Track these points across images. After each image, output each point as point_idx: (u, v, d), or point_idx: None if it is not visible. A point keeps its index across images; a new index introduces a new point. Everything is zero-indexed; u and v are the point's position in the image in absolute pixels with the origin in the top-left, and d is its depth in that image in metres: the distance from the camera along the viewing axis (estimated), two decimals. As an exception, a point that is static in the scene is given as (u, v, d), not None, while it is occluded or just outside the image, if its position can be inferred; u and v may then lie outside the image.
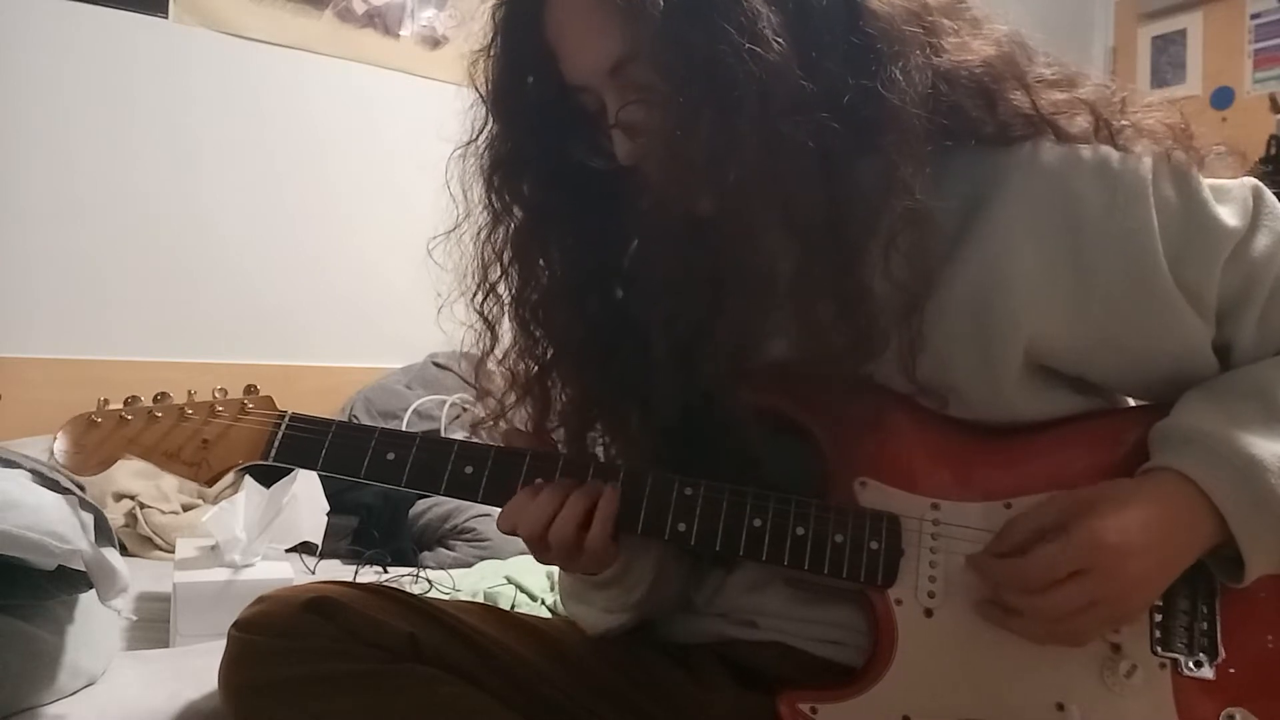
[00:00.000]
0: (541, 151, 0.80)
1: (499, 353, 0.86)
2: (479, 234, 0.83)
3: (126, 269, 2.18)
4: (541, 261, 0.83)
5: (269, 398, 0.83)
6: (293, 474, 1.36)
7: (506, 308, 0.84)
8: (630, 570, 0.82)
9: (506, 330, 0.85)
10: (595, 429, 0.85)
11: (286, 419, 0.81)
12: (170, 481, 1.85)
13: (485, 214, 0.83)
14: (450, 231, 0.84)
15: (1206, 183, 0.76)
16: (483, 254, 0.83)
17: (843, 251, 0.71)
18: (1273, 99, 3.01)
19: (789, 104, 0.66)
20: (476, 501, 0.79)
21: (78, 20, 2.13)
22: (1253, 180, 0.79)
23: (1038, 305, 0.74)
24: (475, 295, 0.84)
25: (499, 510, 0.78)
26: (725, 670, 0.84)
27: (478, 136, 0.82)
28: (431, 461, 0.79)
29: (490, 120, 0.81)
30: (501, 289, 0.84)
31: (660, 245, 0.72)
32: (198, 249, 2.27)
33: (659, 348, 0.76)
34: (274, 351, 2.32)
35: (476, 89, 0.81)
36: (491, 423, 0.85)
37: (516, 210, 0.82)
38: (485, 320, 0.85)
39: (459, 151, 0.82)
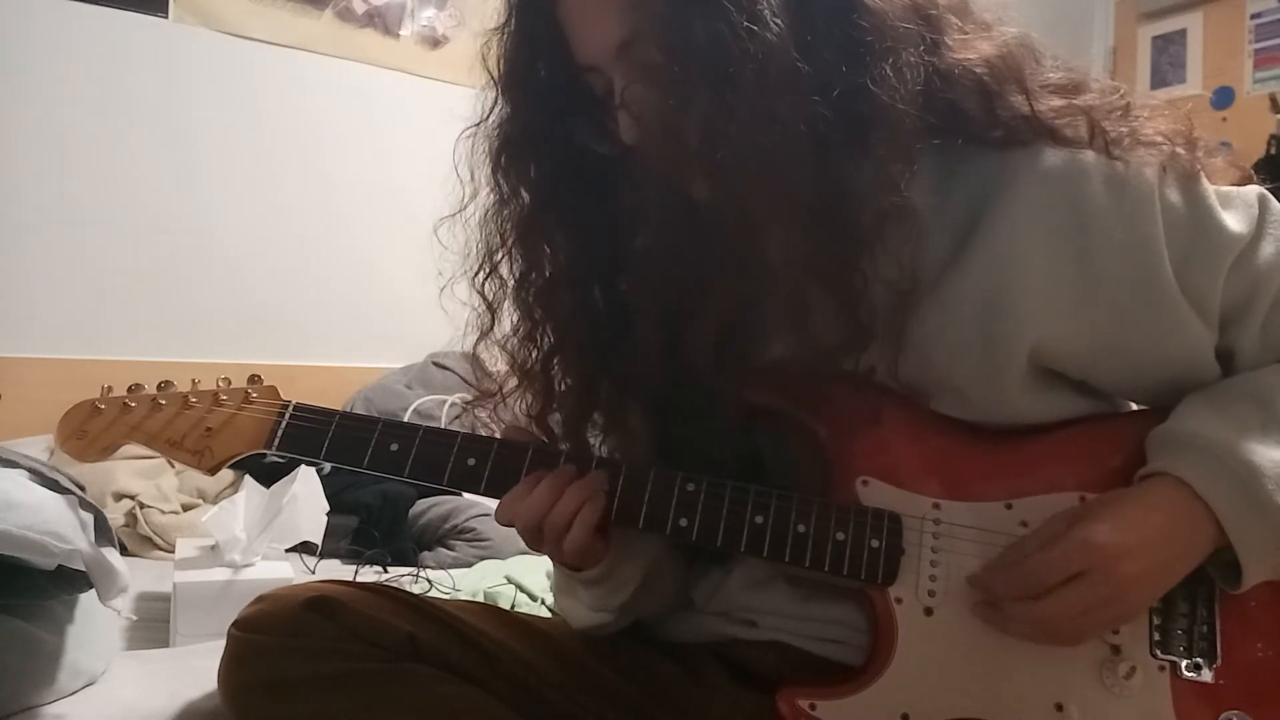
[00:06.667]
0: (550, 134, 0.79)
1: (499, 335, 0.85)
2: (484, 215, 0.83)
3: (126, 269, 2.19)
4: (546, 247, 0.83)
5: (273, 387, 0.83)
6: (293, 474, 1.36)
7: (510, 292, 0.84)
8: (616, 572, 0.82)
9: (508, 314, 0.85)
10: (593, 419, 0.85)
11: (290, 408, 0.81)
12: (170, 481, 1.85)
13: (491, 195, 0.83)
14: (457, 213, 0.83)
15: (1212, 189, 0.76)
16: (487, 236, 0.83)
17: (830, 240, 0.71)
18: (1273, 99, 3.01)
19: (783, 84, 0.66)
20: (479, 494, 0.79)
21: (78, 20, 2.13)
22: (1259, 188, 0.79)
23: (1044, 308, 0.74)
24: (477, 276, 0.84)
25: (498, 503, 0.78)
26: (724, 669, 0.84)
27: (488, 117, 0.82)
28: (435, 453, 0.79)
29: (500, 101, 0.81)
30: (505, 272, 0.84)
31: (654, 226, 0.72)
32: (198, 249, 2.27)
33: (648, 333, 0.76)
34: (274, 351, 2.32)
35: (488, 69, 0.81)
36: (487, 404, 0.85)
37: (523, 193, 0.82)
38: (486, 301, 0.84)
39: (469, 132, 0.82)
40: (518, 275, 0.83)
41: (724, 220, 0.71)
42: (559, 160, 0.80)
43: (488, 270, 0.84)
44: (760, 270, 0.72)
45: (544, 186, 0.82)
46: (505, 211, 0.83)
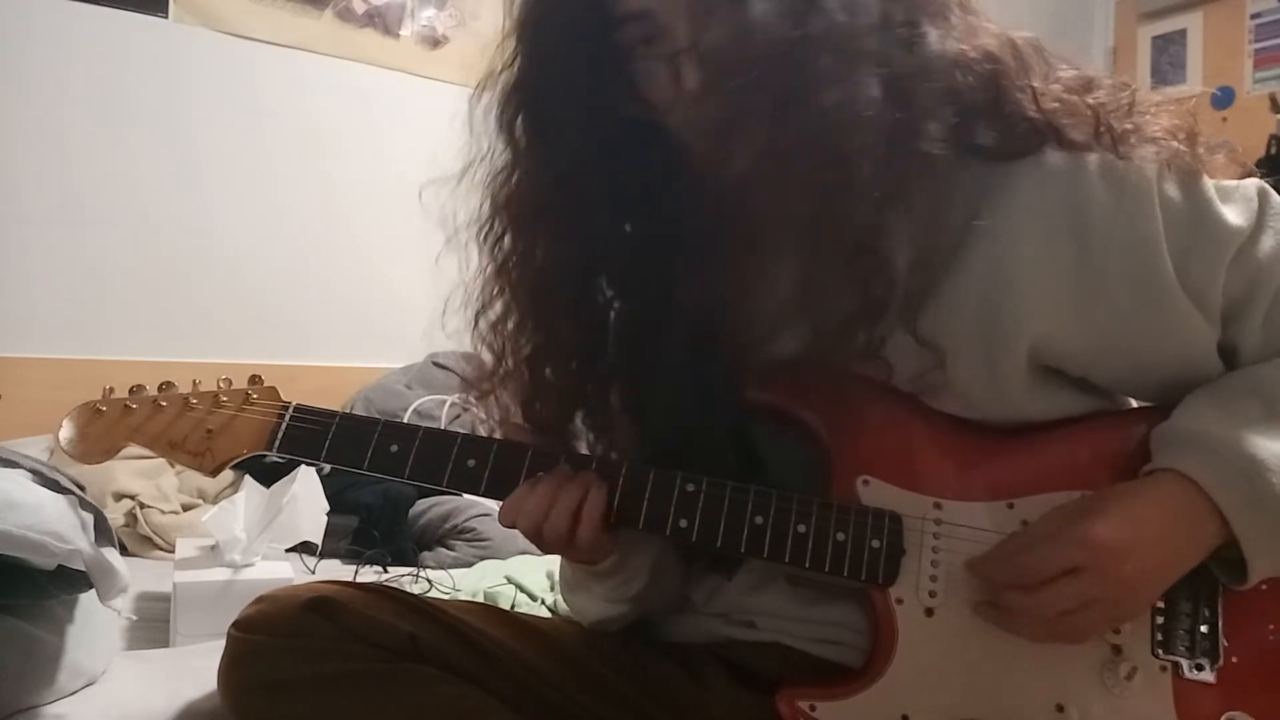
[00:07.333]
0: (570, 94, 0.78)
1: (490, 319, 0.84)
2: (490, 179, 0.82)
3: (126, 269, 2.19)
4: (546, 227, 0.81)
5: (273, 388, 0.83)
6: (293, 474, 1.36)
7: (503, 275, 0.83)
8: (628, 562, 0.82)
9: (499, 302, 0.84)
10: (576, 419, 0.85)
11: (291, 410, 0.81)
12: (170, 481, 1.85)
13: (501, 156, 0.81)
14: (459, 181, 0.82)
15: (1212, 183, 0.76)
16: (491, 203, 0.82)
17: (864, 201, 0.68)
18: (1273, 99, 3.00)
19: (859, 50, 0.66)
20: (479, 495, 0.79)
21: (78, 20, 2.13)
22: (1259, 181, 0.79)
23: (1044, 307, 0.74)
24: (482, 235, 0.83)
25: (500, 506, 0.78)
26: (724, 670, 0.84)
27: (501, 71, 0.80)
28: (435, 454, 0.79)
29: (518, 57, 0.79)
30: (501, 249, 0.83)
31: (686, 198, 0.71)
32: (197, 249, 2.27)
33: (676, 327, 0.75)
34: (274, 351, 2.33)
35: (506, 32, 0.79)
36: (481, 395, 0.85)
37: (532, 157, 0.81)
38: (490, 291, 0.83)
39: (474, 96, 0.81)
40: (513, 257, 0.82)
41: (756, 193, 0.69)
42: (577, 126, 0.78)
43: (492, 238, 0.83)
44: (779, 244, 0.72)
45: (557, 155, 0.80)
46: (513, 177, 0.81)
